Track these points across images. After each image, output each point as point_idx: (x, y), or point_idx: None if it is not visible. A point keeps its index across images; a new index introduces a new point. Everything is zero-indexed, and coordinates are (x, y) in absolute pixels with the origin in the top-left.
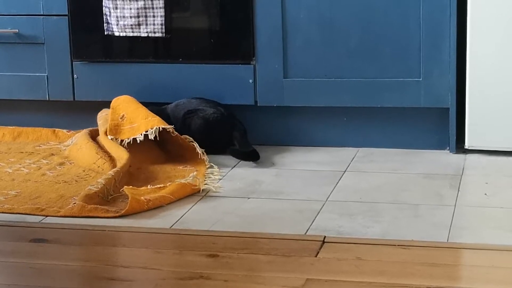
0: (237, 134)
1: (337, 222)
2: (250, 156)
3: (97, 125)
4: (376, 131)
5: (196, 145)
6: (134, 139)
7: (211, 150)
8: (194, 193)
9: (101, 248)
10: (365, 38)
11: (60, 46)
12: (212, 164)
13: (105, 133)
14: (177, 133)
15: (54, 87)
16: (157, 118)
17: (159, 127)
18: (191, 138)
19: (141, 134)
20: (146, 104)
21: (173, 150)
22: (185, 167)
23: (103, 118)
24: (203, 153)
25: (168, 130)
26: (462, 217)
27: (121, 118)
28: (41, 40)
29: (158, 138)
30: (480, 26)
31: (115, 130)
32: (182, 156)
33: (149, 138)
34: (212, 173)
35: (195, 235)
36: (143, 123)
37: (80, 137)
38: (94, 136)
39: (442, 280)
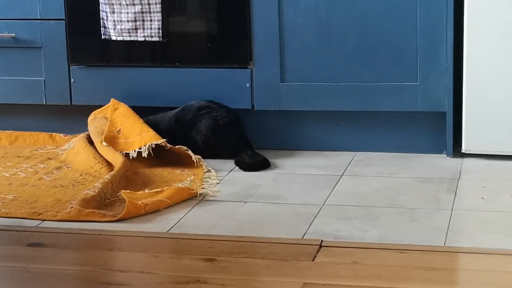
0: (245, 146)
1: (334, 226)
2: (262, 165)
3: None
4: (373, 135)
5: (191, 153)
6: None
7: (216, 153)
8: (191, 197)
9: (98, 253)
10: (362, 42)
11: (57, 50)
12: (209, 168)
13: (101, 142)
14: (170, 145)
15: (51, 91)
16: (151, 133)
17: (152, 144)
18: (185, 148)
19: (135, 151)
20: (145, 109)
21: (170, 155)
22: (183, 171)
23: (93, 131)
24: (199, 160)
25: (161, 144)
26: (459, 221)
27: (117, 132)
28: (38, 44)
29: (152, 154)
30: (477, 30)
31: (110, 140)
32: (179, 161)
33: (143, 155)
34: (210, 177)
35: (192, 239)
36: (137, 139)
37: (78, 141)
38: (91, 140)
39: (439, 284)
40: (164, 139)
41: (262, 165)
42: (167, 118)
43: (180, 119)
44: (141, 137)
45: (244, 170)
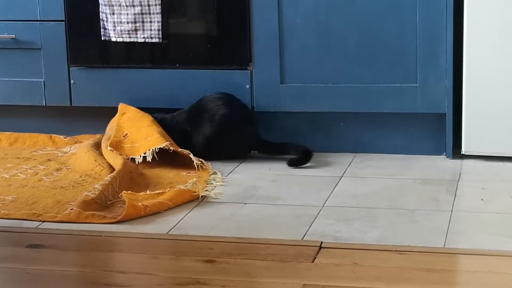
0: (265, 144)
1: (334, 227)
2: (310, 154)
3: (93, 132)
4: (373, 136)
5: (192, 156)
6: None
7: (224, 151)
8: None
9: (97, 254)
10: (361, 43)
11: (57, 51)
12: (216, 170)
13: (106, 148)
14: (173, 148)
15: (51, 92)
16: (155, 136)
17: (155, 148)
18: (188, 151)
19: (140, 156)
20: (144, 110)
21: (177, 156)
22: (189, 173)
23: (103, 139)
24: (201, 163)
25: (164, 148)
26: (458, 223)
27: (123, 136)
28: (38, 45)
29: (157, 158)
30: (477, 31)
31: (116, 145)
32: (186, 162)
33: (147, 160)
34: (215, 180)
35: (192, 240)
36: (143, 143)
37: (81, 148)
38: (96, 146)
39: (439, 285)
40: (167, 142)
41: (310, 154)
42: (179, 113)
43: (194, 112)
44: (146, 142)
45: (297, 166)
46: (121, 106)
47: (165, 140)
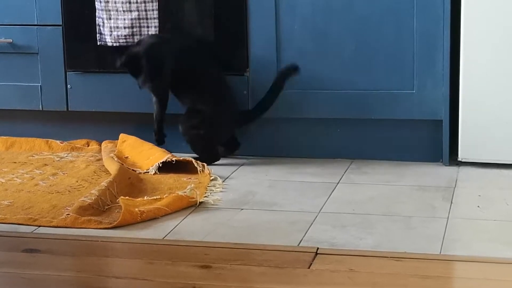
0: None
1: (330, 233)
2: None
3: (89, 137)
4: (370, 142)
5: (195, 163)
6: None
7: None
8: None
9: (93, 259)
10: (359, 50)
11: (54, 56)
12: (217, 176)
13: (108, 155)
14: (175, 158)
15: (47, 97)
16: (157, 154)
17: (159, 163)
18: (191, 158)
19: (142, 172)
20: (141, 115)
21: (176, 162)
22: (189, 178)
23: (103, 153)
24: (203, 167)
25: (167, 161)
26: (454, 230)
27: (125, 157)
28: (35, 50)
29: (158, 174)
30: (474, 38)
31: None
32: (188, 167)
33: (151, 174)
34: (215, 186)
35: (188, 246)
36: (144, 163)
37: (79, 158)
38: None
39: None
40: (169, 155)
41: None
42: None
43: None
44: (148, 161)
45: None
46: (121, 136)
47: (167, 154)
